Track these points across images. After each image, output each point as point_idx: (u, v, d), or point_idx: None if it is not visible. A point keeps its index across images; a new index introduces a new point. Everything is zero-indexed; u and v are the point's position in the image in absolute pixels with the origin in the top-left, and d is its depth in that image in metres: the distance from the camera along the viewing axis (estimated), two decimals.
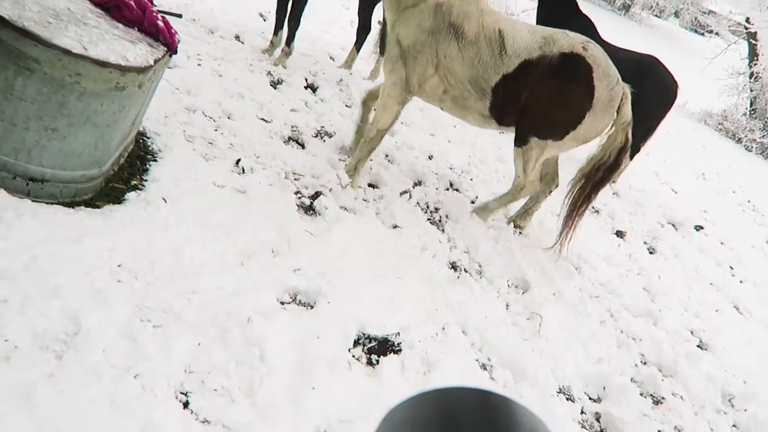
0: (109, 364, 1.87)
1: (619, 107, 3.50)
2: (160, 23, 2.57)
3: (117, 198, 2.61)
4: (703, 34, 29.47)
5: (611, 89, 3.43)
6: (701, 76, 17.52)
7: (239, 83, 4.39)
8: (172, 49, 2.64)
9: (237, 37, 5.34)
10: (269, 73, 4.89)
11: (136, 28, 2.54)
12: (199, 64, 4.37)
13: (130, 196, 2.65)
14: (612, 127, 3.60)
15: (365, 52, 6.04)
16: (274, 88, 4.71)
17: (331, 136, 4.30)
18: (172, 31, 2.65)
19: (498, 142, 5.83)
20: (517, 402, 0.41)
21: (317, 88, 5.07)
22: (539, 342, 3.07)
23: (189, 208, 2.78)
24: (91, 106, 2.22)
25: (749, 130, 13.20)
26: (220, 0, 6.09)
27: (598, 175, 3.65)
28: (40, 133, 2.19)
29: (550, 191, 4.16)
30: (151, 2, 2.61)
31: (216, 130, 3.62)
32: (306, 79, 5.09)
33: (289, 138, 4.02)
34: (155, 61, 2.41)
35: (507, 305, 3.30)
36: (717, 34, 25.99)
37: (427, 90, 3.66)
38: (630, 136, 3.53)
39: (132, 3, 2.53)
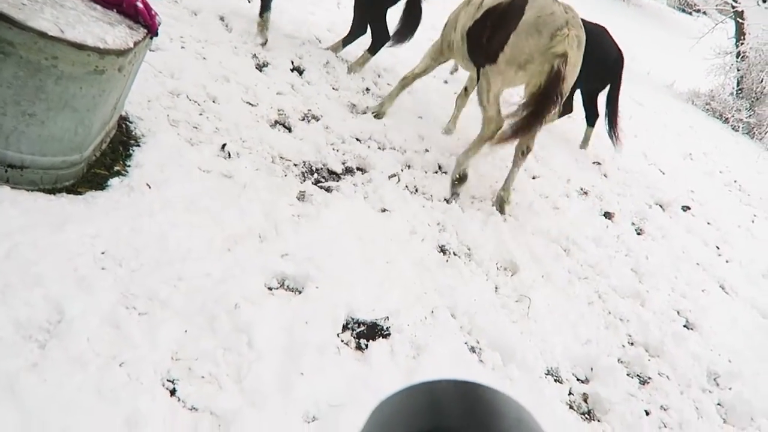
0: (94, 353, 1.85)
1: (556, 41, 3.66)
2: (140, 4, 2.51)
3: (99, 184, 2.57)
4: (690, 13, 29.42)
5: (538, 17, 3.72)
6: (689, 55, 17.53)
7: (224, 66, 4.32)
8: (152, 31, 2.58)
9: (221, 19, 5.25)
10: (254, 55, 4.81)
11: (114, 10, 2.48)
12: (182, 47, 4.29)
13: (113, 182, 2.61)
14: (542, 55, 3.73)
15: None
16: (260, 71, 4.64)
17: (318, 119, 4.25)
18: (153, 12, 2.59)
19: None
20: (504, 393, 0.42)
21: (303, 70, 5.00)
22: (528, 324, 3.08)
23: (174, 193, 2.74)
24: (69, 90, 2.17)
25: (736, 110, 13.23)
26: None
27: (532, 104, 3.70)
28: (17, 119, 2.14)
29: (523, 153, 4.23)
30: None
31: (201, 114, 3.57)
32: (292, 62, 5.02)
33: (276, 122, 3.98)
34: (135, 44, 2.35)
35: (496, 288, 3.30)
36: (704, 13, 25.98)
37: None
38: (562, 68, 3.62)
39: None
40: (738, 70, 13.64)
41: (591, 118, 6.81)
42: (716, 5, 20.75)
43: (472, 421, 0.38)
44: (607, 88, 6.64)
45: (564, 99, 3.80)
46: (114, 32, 2.28)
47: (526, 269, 3.55)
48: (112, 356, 1.87)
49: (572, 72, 3.76)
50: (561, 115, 6.09)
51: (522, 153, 4.22)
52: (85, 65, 2.14)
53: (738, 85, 13.78)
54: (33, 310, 1.87)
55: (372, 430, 0.41)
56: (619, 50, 6.42)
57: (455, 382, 0.42)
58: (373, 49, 5.49)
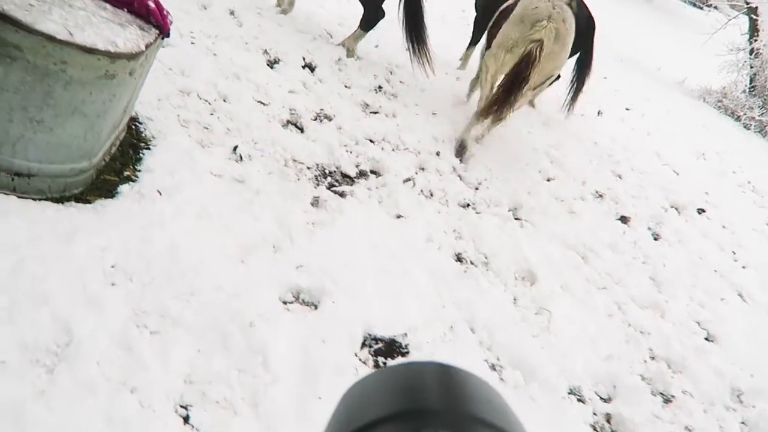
0: (104, 377, 1.75)
1: (534, 30, 4.27)
2: (151, 4, 2.39)
3: (109, 191, 2.47)
4: (702, 8, 29.06)
5: (525, 10, 4.38)
6: (700, 51, 17.32)
7: (234, 63, 4.20)
8: (164, 31, 2.47)
9: (231, 13, 5.12)
10: (265, 51, 4.69)
11: (125, 10, 2.37)
12: (192, 43, 4.17)
13: (123, 188, 2.51)
14: (523, 41, 4.35)
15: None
16: (271, 67, 4.52)
17: (330, 119, 4.14)
18: (164, 12, 2.47)
19: (505, 133, 5.68)
20: (480, 377, 0.42)
21: (315, 67, 4.88)
22: (548, 338, 2.99)
23: (185, 200, 2.64)
24: (78, 96, 2.07)
25: (748, 108, 13.04)
26: None
27: (505, 81, 4.37)
28: (24, 125, 2.04)
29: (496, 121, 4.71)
30: None
31: (212, 114, 3.46)
32: (303, 58, 4.90)
33: (288, 121, 3.86)
34: (147, 46, 2.24)
35: (514, 299, 3.20)
36: (716, 8, 25.68)
37: None
38: (534, 52, 4.19)
39: None
40: (751, 67, 13.44)
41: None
42: (729, 1, 20.46)
43: (448, 403, 0.37)
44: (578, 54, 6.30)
45: (533, 84, 4.44)
46: (125, 34, 2.17)
47: (544, 279, 3.45)
48: (122, 381, 1.78)
49: (547, 59, 4.28)
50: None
51: (496, 121, 4.71)
52: (95, 70, 2.04)
53: (751, 83, 13.58)
54: (40, 330, 1.77)
55: (345, 411, 0.40)
56: (591, 16, 6.07)
57: (431, 363, 0.42)
58: (365, 25, 5.33)
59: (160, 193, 2.57)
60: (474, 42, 6.66)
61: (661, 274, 4.37)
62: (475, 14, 6.56)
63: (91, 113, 2.15)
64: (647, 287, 4.03)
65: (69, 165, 2.24)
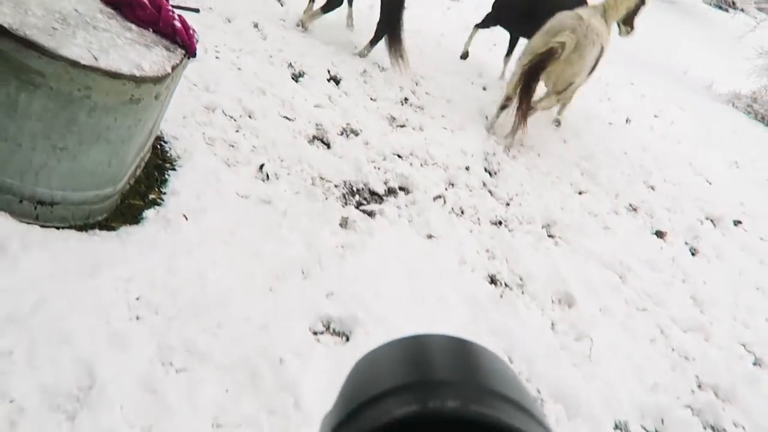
0: (128, 424, 1.65)
1: (557, 36, 4.80)
2: (177, 23, 2.30)
3: (134, 217, 2.38)
4: (727, 11, 28.52)
5: (552, 25, 4.94)
6: (727, 55, 16.94)
7: (259, 77, 4.12)
8: (190, 51, 2.38)
9: (255, 26, 5.05)
10: (290, 64, 4.60)
11: (150, 29, 2.28)
12: (217, 57, 4.10)
13: (149, 213, 2.42)
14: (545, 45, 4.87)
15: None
16: (296, 81, 4.43)
17: (357, 134, 4.03)
18: (191, 31, 2.38)
19: (534, 145, 5.53)
20: (492, 351, 0.41)
21: (340, 80, 4.78)
22: (590, 368, 2.83)
23: (212, 224, 2.54)
24: (103, 122, 1.98)
25: None
26: None
27: (531, 65, 4.86)
28: (47, 153, 1.95)
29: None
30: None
31: (237, 131, 3.37)
32: (328, 71, 4.80)
33: (314, 137, 3.76)
34: (173, 68, 2.15)
35: (552, 324, 3.05)
36: (742, 10, 25.18)
37: None
38: (555, 48, 4.72)
39: (146, 0, 2.26)
40: None
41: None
42: (755, 2, 20.01)
43: (458, 375, 0.37)
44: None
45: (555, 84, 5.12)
46: (150, 56, 2.08)
47: (582, 301, 3.29)
48: (148, 427, 1.67)
49: (566, 63, 4.83)
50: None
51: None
52: (121, 95, 1.95)
53: None
54: (61, 373, 1.68)
55: (355, 382, 0.39)
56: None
57: (441, 336, 0.41)
58: (326, 8, 5.36)
59: (186, 218, 2.48)
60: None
61: (702, 293, 4.17)
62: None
63: (115, 139, 2.07)
64: (689, 308, 3.84)
65: (93, 192, 2.16)
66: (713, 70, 15.50)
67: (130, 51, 2.03)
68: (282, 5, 6.05)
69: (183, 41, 2.34)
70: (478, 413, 0.32)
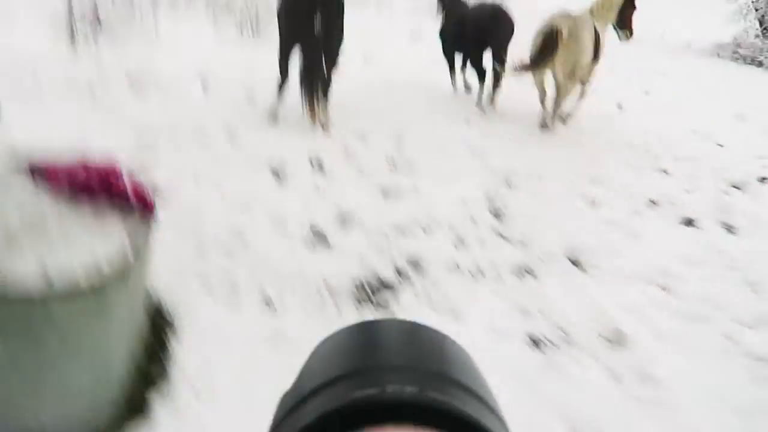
0: None
1: (548, 27, 5.81)
2: (130, 193, 2.18)
3: (141, 412, 2.20)
4: None
5: (541, 25, 5.92)
6: (699, 10, 16.78)
7: (242, 190, 4.03)
8: (150, 214, 2.25)
9: (228, 132, 5.00)
10: (270, 165, 4.52)
11: (103, 196, 2.15)
12: (195, 182, 4.02)
13: (156, 406, 2.24)
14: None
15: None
16: (278, 179, 4.33)
17: (353, 220, 3.89)
18: (146, 192, 2.24)
19: (532, 171, 5.36)
20: (446, 334, 0.41)
21: (322, 164, 4.68)
22: (664, 413, 2.57)
23: (226, 398, 2.34)
24: (76, 343, 1.83)
25: (767, 50, 12.42)
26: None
27: (541, 45, 5.77)
28: (27, 396, 1.81)
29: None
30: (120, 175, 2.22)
31: (231, 260, 3.24)
32: (310, 160, 4.71)
33: (310, 239, 3.62)
34: (135, 251, 2.01)
35: (610, 373, 2.80)
36: None
37: None
38: (555, 31, 5.65)
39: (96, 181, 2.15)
40: (756, 10, 12.85)
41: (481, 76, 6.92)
42: None
43: (411, 359, 0.37)
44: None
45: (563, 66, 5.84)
46: (109, 242, 1.94)
47: (633, 334, 3.04)
48: None
49: (566, 47, 5.64)
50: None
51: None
52: (86, 307, 1.81)
53: (761, 25, 12.96)
54: None
55: (309, 369, 0.38)
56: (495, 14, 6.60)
57: (394, 320, 0.42)
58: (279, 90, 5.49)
59: (198, 399, 2.30)
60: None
61: (754, 275, 3.88)
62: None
63: (98, 351, 1.93)
64: (749, 300, 3.55)
65: (89, 413, 2.00)
66: (690, 27, 15.34)
67: (85, 245, 1.89)
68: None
69: (141, 207, 2.22)
70: (435, 400, 0.32)
